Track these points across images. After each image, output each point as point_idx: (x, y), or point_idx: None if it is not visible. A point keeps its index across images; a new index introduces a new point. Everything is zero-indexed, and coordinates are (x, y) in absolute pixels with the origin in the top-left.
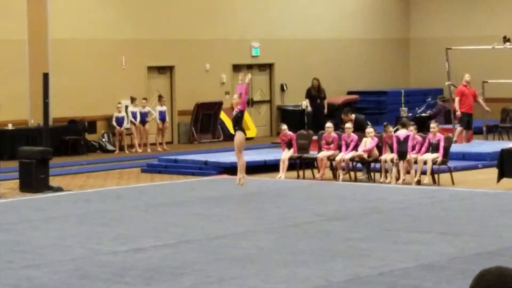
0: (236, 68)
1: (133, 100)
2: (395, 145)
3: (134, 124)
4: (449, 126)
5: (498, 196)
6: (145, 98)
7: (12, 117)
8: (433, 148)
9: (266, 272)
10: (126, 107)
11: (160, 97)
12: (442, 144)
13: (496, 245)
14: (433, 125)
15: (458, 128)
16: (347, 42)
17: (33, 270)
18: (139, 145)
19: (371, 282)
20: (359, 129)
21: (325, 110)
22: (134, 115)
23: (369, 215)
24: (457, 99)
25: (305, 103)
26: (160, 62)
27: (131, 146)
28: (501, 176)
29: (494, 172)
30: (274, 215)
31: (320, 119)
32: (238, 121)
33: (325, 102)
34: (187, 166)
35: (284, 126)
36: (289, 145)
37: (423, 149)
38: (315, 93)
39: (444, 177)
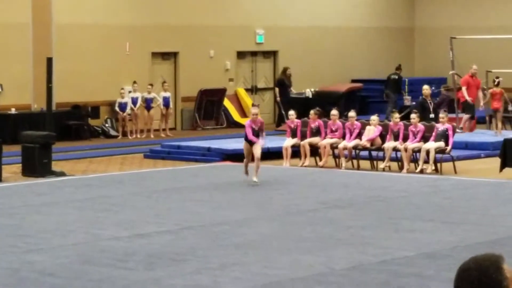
0: (240, 55)
1: (133, 84)
2: (401, 133)
3: (133, 110)
4: (453, 115)
5: (500, 186)
6: (151, 84)
7: (15, 101)
8: (440, 136)
9: (268, 259)
10: (130, 92)
11: (164, 83)
12: (450, 133)
13: (498, 234)
14: (442, 114)
15: (465, 116)
16: (351, 30)
17: (35, 254)
18: (142, 131)
19: (373, 270)
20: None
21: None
22: (134, 100)
23: (372, 203)
24: (463, 88)
25: (277, 92)
26: (164, 48)
27: (135, 131)
28: (503, 165)
29: (496, 161)
30: (277, 203)
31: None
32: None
33: (292, 90)
34: (190, 153)
35: (292, 112)
36: (293, 133)
37: (432, 138)
38: (287, 82)
39: (447, 166)
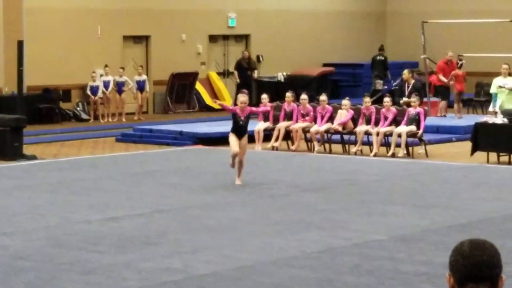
0: (212, 38)
1: (105, 68)
2: (373, 117)
3: (105, 93)
4: (424, 100)
5: (471, 170)
6: (122, 68)
7: None
8: (412, 120)
9: (240, 243)
10: (101, 76)
11: (140, 66)
12: (422, 117)
13: (469, 218)
14: (414, 98)
15: (442, 102)
16: (323, 14)
17: (6, 238)
18: (113, 115)
19: (345, 253)
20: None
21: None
22: (106, 84)
23: (344, 187)
24: (440, 75)
25: (236, 75)
26: (136, 32)
27: (107, 115)
28: (474, 149)
29: (468, 145)
30: (249, 186)
31: (247, 88)
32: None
33: (254, 73)
34: (162, 136)
35: (264, 96)
36: (266, 117)
37: (403, 122)
38: (245, 65)
39: (418, 150)
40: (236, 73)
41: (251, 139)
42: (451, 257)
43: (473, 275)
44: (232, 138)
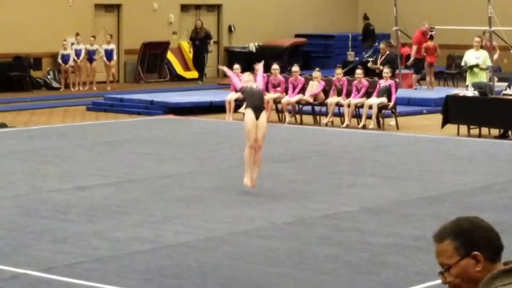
0: (184, 8)
1: (76, 37)
2: (344, 88)
3: (76, 62)
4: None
5: (442, 142)
6: (93, 36)
7: None
8: (383, 92)
9: (210, 212)
10: (72, 44)
11: (110, 35)
12: (393, 89)
13: (438, 190)
14: (386, 70)
15: (414, 75)
16: None
17: None
18: (84, 83)
19: (314, 224)
20: None
21: (209, 49)
22: (77, 52)
23: (314, 158)
24: (414, 47)
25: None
26: (107, 0)
27: (78, 84)
28: (445, 122)
29: (438, 118)
30: (219, 156)
31: (200, 59)
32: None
33: (209, 42)
34: (133, 106)
35: (237, 66)
36: None
37: (374, 93)
38: (193, 35)
39: (389, 122)
40: (190, 43)
41: (222, 110)
42: (477, 236)
43: (502, 246)
44: (249, 116)
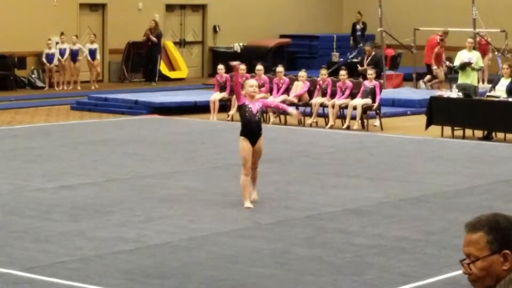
0: (169, 7)
1: (61, 36)
2: (329, 89)
3: (60, 61)
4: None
5: (426, 143)
6: (75, 35)
7: None
8: (367, 93)
9: (193, 213)
10: (57, 43)
11: (94, 35)
12: (378, 90)
13: (422, 191)
14: (370, 71)
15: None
16: None
17: None
18: (68, 83)
19: (298, 225)
20: None
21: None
22: (61, 51)
23: (298, 158)
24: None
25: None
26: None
27: (62, 83)
28: (429, 123)
29: (422, 119)
30: (203, 156)
31: (153, 60)
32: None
33: (157, 42)
34: (117, 105)
35: (221, 66)
36: (222, 88)
37: (359, 94)
38: (147, 36)
39: (373, 123)
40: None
41: (207, 110)
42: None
43: None
44: (245, 145)
